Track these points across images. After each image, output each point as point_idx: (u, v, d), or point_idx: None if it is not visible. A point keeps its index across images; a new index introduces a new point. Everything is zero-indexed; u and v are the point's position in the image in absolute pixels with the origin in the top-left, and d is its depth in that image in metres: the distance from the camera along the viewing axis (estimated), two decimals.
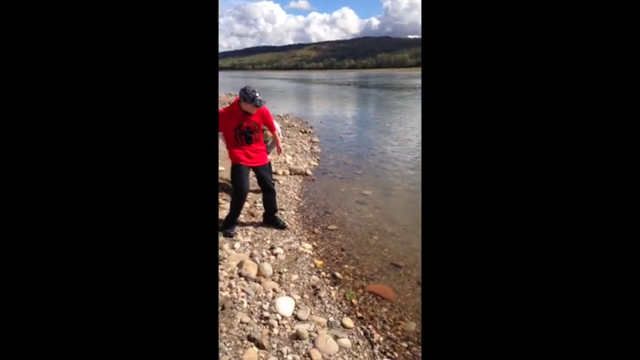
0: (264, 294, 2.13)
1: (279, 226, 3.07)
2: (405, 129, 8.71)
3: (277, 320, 1.90)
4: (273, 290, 2.18)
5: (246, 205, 3.53)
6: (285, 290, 2.21)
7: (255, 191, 3.73)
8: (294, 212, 3.58)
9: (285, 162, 5.21)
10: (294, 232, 3.05)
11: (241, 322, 1.85)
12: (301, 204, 3.83)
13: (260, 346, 1.71)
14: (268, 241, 2.83)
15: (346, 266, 2.61)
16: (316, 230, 3.19)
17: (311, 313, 2.02)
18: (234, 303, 1.99)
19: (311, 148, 6.47)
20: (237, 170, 2.83)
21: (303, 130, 8.08)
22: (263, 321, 1.89)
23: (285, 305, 2.02)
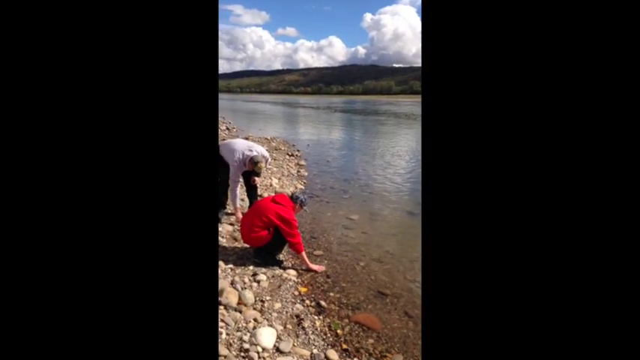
0: (244, 324, 2.02)
1: (275, 262, 2.86)
2: (391, 154, 8.83)
3: (258, 353, 1.80)
4: (255, 320, 2.07)
5: (229, 228, 3.43)
6: (267, 320, 2.11)
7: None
8: None
9: (271, 185, 5.15)
10: (279, 257, 2.96)
11: (219, 355, 1.73)
12: None
13: None
14: (251, 267, 2.73)
15: (331, 294, 2.53)
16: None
17: (294, 345, 1.92)
18: None
19: (298, 171, 6.45)
20: None
21: (289, 154, 8.09)
22: (242, 354, 1.78)
23: (267, 336, 1.91)
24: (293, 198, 2.86)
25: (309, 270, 2.80)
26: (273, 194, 4.71)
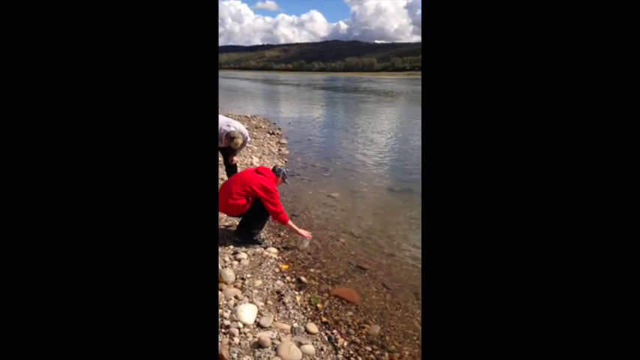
0: (225, 302, 2.04)
1: (256, 242, 2.84)
2: (372, 132, 8.85)
3: (238, 329, 1.83)
4: (235, 297, 2.10)
5: None
6: (248, 297, 2.13)
7: None
8: None
9: (252, 164, 5.09)
10: (260, 236, 2.97)
11: None
12: None
13: (219, 357, 1.63)
14: (231, 246, 2.73)
15: (312, 270, 2.58)
16: (282, 233, 3.13)
17: (274, 320, 1.96)
18: None
19: (279, 149, 6.39)
20: None
21: (270, 132, 7.97)
22: (223, 330, 1.81)
23: (248, 312, 1.94)
24: (275, 171, 2.87)
25: (299, 234, 2.83)
26: None
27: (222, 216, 3.25)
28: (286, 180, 2.95)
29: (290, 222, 2.79)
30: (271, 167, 2.94)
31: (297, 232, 2.83)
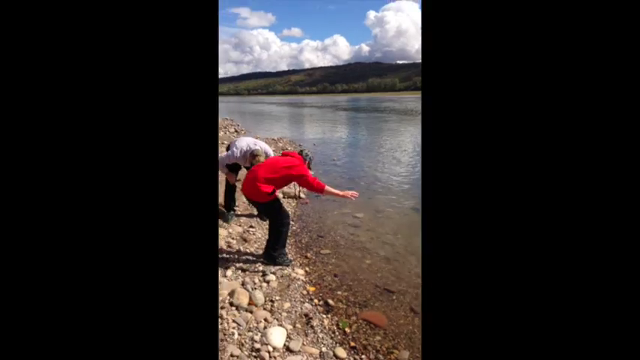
0: (255, 324, 2.07)
1: (284, 263, 2.87)
2: (395, 151, 8.82)
3: (269, 352, 1.85)
4: (265, 320, 2.13)
5: (239, 229, 3.50)
6: (277, 320, 2.16)
7: (249, 215, 3.72)
8: None
9: None
10: (287, 257, 3.01)
11: (232, 356, 1.79)
12: (294, 227, 3.80)
13: None
14: (260, 267, 2.79)
15: (339, 292, 2.57)
16: (309, 255, 3.16)
17: (303, 344, 1.97)
18: (224, 335, 1.94)
19: None
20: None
21: None
22: (254, 353, 1.84)
23: (277, 336, 1.97)
24: (303, 155, 2.89)
25: (344, 197, 2.74)
26: (280, 194, 4.78)
27: (249, 237, 3.33)
28: (310, 166, 2.95)
29: (327, 187, 2.72)
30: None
31: (340, 196, 2.77)
